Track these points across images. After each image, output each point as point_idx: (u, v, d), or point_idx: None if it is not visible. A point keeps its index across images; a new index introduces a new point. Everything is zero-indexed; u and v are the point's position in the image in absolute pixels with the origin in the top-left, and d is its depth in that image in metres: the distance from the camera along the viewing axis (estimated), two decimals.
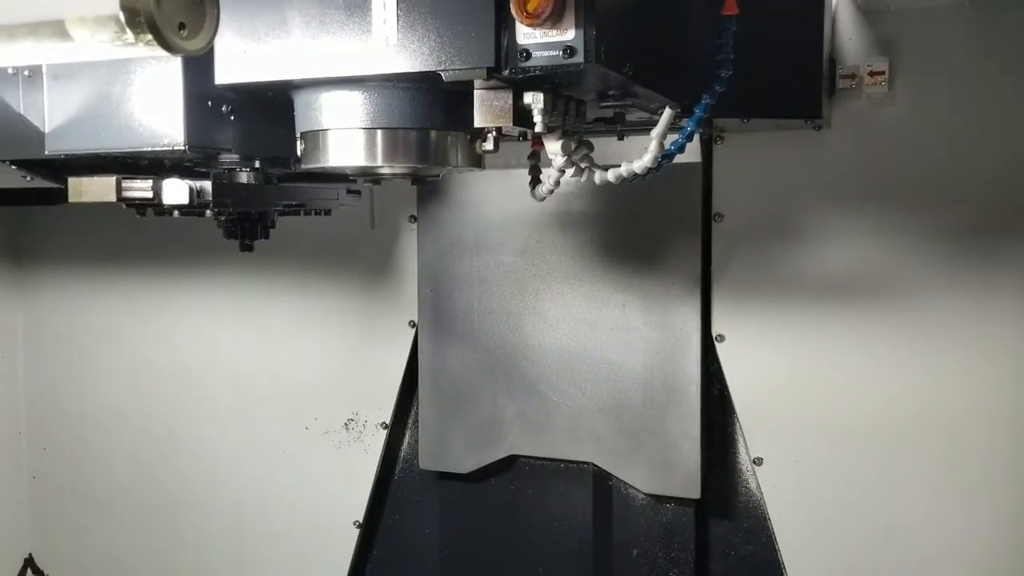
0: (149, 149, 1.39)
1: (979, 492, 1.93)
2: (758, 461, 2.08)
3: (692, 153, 2.04)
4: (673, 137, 1.42)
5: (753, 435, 2.08)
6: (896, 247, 1.94)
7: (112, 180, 1.44)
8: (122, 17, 0.92)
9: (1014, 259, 1.87)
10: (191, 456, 2.66)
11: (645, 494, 2.16)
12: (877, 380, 1.98)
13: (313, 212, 1.82)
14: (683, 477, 2.08)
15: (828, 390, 2.01)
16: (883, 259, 1.95)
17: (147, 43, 0.94)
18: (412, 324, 2.34)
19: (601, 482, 2.20)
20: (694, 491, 2.08)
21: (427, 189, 2.27)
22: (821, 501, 2.04)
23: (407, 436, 2.47)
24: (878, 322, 1.97)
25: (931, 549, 1.97)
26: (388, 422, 2.41)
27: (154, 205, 1.47)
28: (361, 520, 2.45)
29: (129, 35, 0.94)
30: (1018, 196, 1.86)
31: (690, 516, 2.15)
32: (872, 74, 1.90)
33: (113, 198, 1.45)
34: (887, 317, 1.96)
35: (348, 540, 2.46)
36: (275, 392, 2.54)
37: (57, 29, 0.99)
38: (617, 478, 2.17)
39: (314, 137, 1.34)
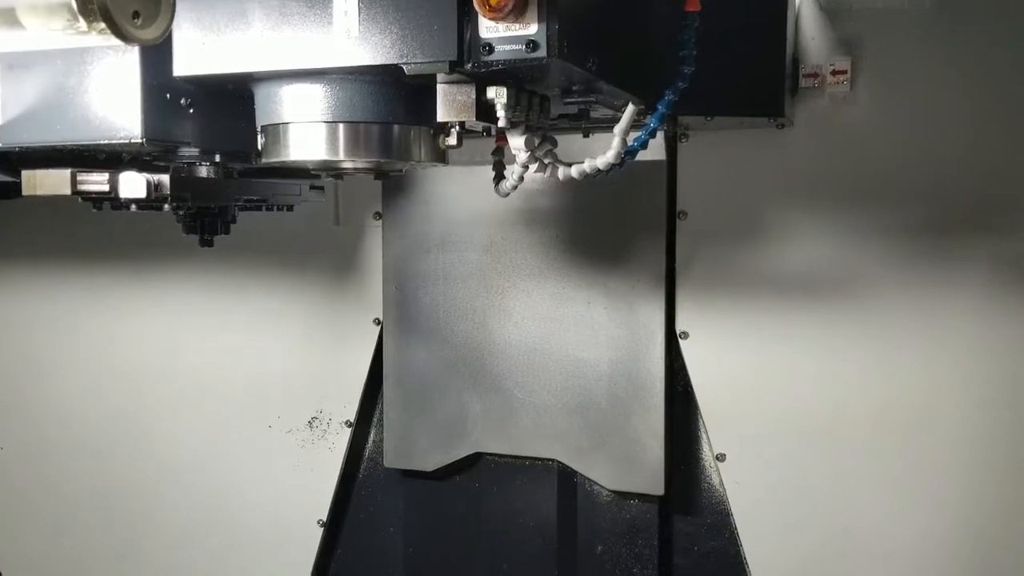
0: (106, 142, 1.36)
1: (940, 489, 1.96)
2: (721, 457, 2.09)
3: (657, 151, 2.05)
4: (636, 134, 1.42)
5: (716, 431, 2.09)
6: (858, 245, 1.96)
7: (67, 173, 1.41)
8: (74, 5, 0.90)
9: (974, 258, 1.89)
10: (153, 455, 2.62)
11: (609, 491, 2.16)
12: (840, 377, 2.00)
13: (275, 208, 1.80)
14: (647, 473, 2.09)
15: (791, 387, 2.03)
16: (846, 257, 1.97)
17: (100, 31, 0.93)
18: (377, 322, 2.33)
19: (566, 479, 2.20)
20: (658, 487, 2.09)
21: (392, 185, 2.26)
22: (783, 497, 2.05)
23: (372, 434, 2.45)
24: (841, 320, 1.99)
25: (892, 544, 2.00)
26: (353, 420, 2.39)
27: (111, 199, 1.44)
28: (325, 519, 2.43)
29: (82, 23, 0.92)
30: (979, 195, 1.88)
31: (654, 512, 2.16)
32: (835, 73, 1.92)
33: (68, 191, 1.42)
34: (850, 315, 1.98)
35: (312, 539, 2.44)
36: (238, 390, 2.51)
37: (8, 17, 0.96)
38: (582, 475, 2.17)
39: (275, 131, 1.32)
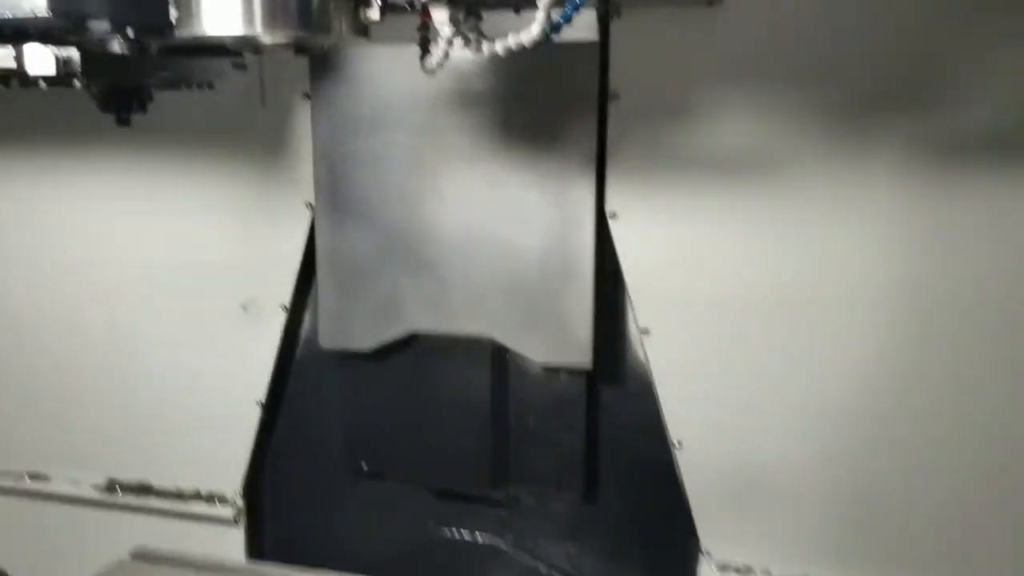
0: (9, 15, 1.30)
1: (856, 360, 2.05)
2: (645, 332, 2.17)
3: (590, 30, 2.03)
4: (563, 9, 1.41)
5: (642, 308, 2.16)
6: (785, 126, 1.99)
7: None
8: None
9: (892, 137, 1.93)
10: (87, 342, 2.61)
11: (540, 365, 2.24)
12: (761, 256, 2.06)
13: (195, 85, 1.75)
14: (576, 348, 2.16)
15: (714, 265, 2.09)
16: (775, 138, 2.00)
17: None
18: (309, 205, 2.31)
19: (499, 356, 2.27)
20: (586, 361, 2.17)
21: (320, 65, 2.20)
22: (702, 368, 2.14)
23: (307, 317, 2.47)
24: (767, 199, 2.03)
25: (802, 410, 2.11)
26: (287, 304, 2.41)
27: (18, 75, 1.39)
28: (263, 400, 2.47)
29: None
30: (903, 74, 1.90)
31: (582, 385, 2.25)
32: None
33: None
34: (776, 194, 2.02)
35: (250, 419, 2.49)
36: (170, 276, 2.49)
37: None
38: (514, 352, 2.24)
39: (187, 3, 1.28)
